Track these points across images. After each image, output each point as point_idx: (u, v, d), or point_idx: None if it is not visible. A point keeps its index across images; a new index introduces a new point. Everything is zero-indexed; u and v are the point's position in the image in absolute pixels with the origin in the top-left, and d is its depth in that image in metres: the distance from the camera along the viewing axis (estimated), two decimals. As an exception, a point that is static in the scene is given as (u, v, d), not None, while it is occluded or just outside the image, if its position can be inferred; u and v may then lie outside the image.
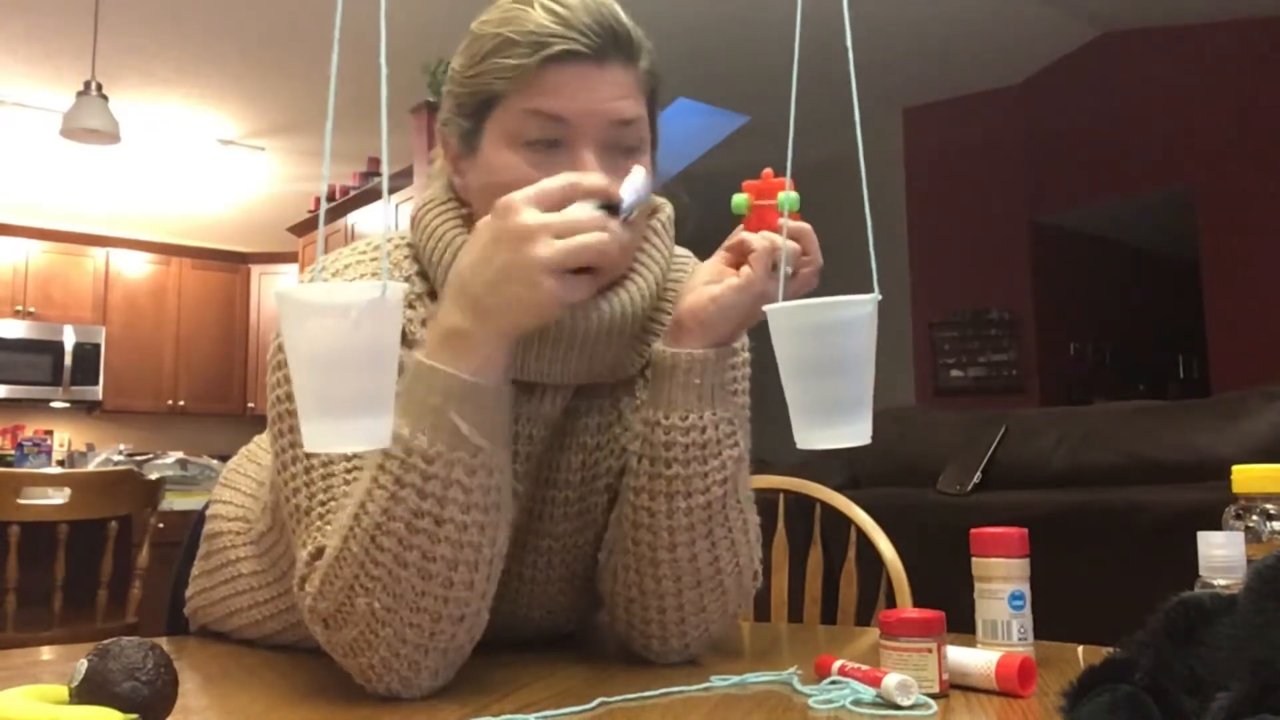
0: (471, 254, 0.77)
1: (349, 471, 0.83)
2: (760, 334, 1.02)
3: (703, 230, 1.15)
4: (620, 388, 0.97)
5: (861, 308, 0.68)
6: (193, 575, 1.14)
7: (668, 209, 0.99)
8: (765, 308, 0.71)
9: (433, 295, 0.90)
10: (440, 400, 0.75)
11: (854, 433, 0.69)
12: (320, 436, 0.61)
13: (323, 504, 0.83)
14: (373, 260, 0.93)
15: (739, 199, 0.89)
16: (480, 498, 0.77)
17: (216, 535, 1.09)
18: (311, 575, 0.80)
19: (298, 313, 0.60)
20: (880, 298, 0.68)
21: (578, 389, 0.93)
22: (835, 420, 0.69)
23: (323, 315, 0.60)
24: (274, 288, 7.26)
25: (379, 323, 0.60)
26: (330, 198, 5.87)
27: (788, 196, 0.86)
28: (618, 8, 0.88)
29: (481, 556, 0.78)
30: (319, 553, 0.81)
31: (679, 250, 1.01)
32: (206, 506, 1.14)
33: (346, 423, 0.61)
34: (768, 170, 0.89)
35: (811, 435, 0.70)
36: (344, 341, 0.60)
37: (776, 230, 0.86)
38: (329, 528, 0.81)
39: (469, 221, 0.90)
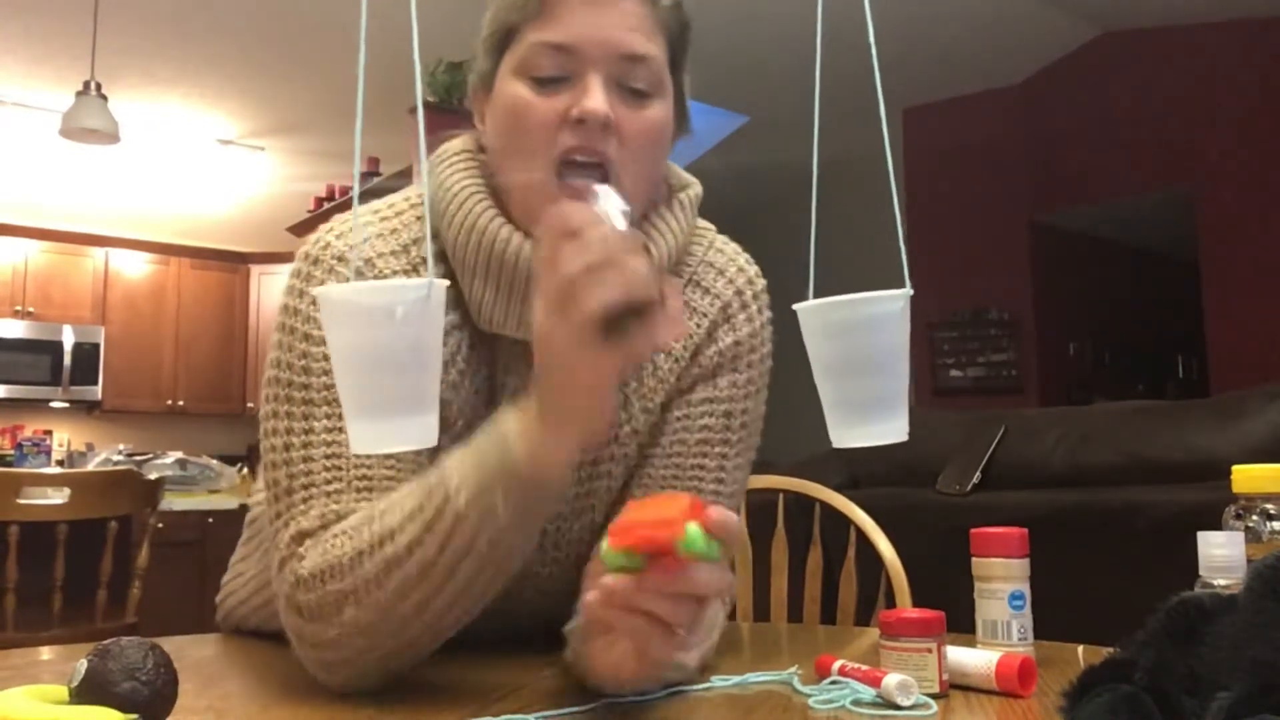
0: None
1: (327, 458, 0.82)
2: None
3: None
4: (626, 369, 0.95)
5: (893, 303, 0.67)
6: (233, 560, 1.14)
7: (696, 188, 0.97)
8: (795, 306, 0.69)
9: (443, 256, 0.90)
10: (495, 474, 0.73)
11: (890, 430, 0.68)
12: (367, 436, 0.61)
13: (304, 486, 0.81)
14: (382, 220, 0.92)
15: (613, 557, 0.64)
16: (494, 566, 0.76)
17: (257, 520, 1.10)
18: (292, 561, 0.79)
19: (342, 313, 0.60)
20: (912, 292, 0.67)
21: None
22: (870, 418, 0.68)
23: (368, 316, 0.59)
24: (274, 287, 7.26)
25: (423, 322, 0.59)
26: (330, 197, 5.86)
27: (691, 536, 0.62)
28: None
29: (476, 608, 0.78)
30: (301, 537, 0.80)
31: (701, 222, 1.00)
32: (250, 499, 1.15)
33: (392, 422, 0.60)
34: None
35: (847, 434, 0.69)
36: (389, 341, 0.59)
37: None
38: (313, 512, 0.80)
39: (484, 169, 0.90)
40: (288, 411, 0.84)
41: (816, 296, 0.68)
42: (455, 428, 0.90)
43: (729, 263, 1.00)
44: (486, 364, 0.92)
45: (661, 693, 0.79)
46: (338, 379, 0.62)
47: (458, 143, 0.94)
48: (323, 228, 0.92)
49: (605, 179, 0.83)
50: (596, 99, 0.83)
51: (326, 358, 0.84)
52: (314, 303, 0.85)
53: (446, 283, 0.63)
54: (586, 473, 0.95)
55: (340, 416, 0.82)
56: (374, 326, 0.59)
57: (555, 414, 0.73)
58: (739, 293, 0.99)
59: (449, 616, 0.77)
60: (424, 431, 0.61)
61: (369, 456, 0.82)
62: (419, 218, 0.92)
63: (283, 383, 0.85)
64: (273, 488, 0.83)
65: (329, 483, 0.81)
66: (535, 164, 0.84)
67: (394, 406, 0.60)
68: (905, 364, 0.68)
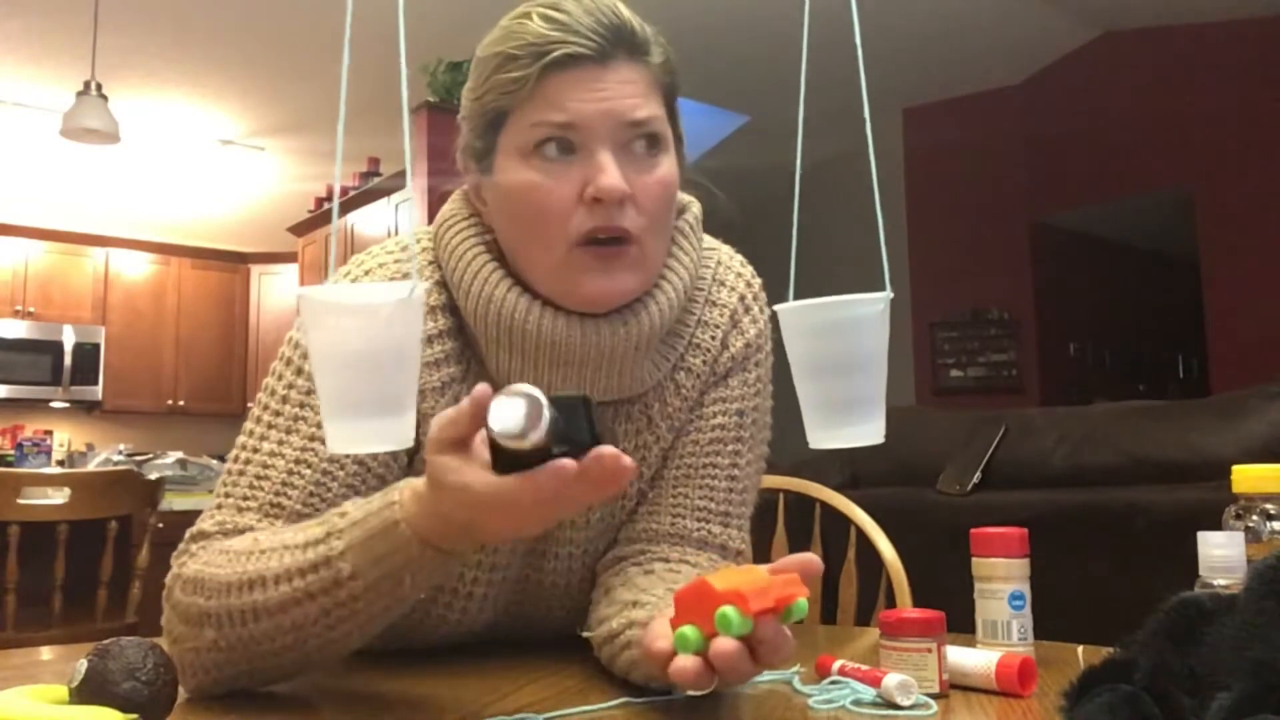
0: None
1: (257, 476, 0.85)
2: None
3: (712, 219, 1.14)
4: (650, 392, 0.96)
5: (873, 306, 0.67)
6: None
7: (695, 207, 0.97)
8: (776, 307, 0.70)
9: (453, 309, 0.90)
10: (401, 564, 0.69)
11: (866, 432, 0.68)
12: (345, 437, 0.61)
13: (226, 495, 0.85)
14: (397, 263, 0.92)
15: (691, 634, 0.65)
16: (378, 620, 0.73)
17: None
18: (183, 557, 0.82)
19: (324, 314, 0.60)
20: (892, 296, 0.68)
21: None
22: (848, 420, 0.68)
23: (351, 316, 0.60)
24: (274, 287, 7.27)
25: (405, 323, 0.60)
26: (330, 197, 5.86)
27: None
28: (620, 4, 0.86)
29: (351, 649, 0.76)
30: (198, 536, 0.83)
31: (707, 241, 1.00)
32: None
33: (370, 423, 0.60)
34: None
35: (824, 435, 0.69)
36: (371, 342, 0.59)
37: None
38: (217, 517, 0.84)
39: (492, 246, 0.89)
40: (250, 429, 0.88)
41: (812, 296, 0.68)
42: None
43: (727, 270, 1.01)
44: None
45: (677, 695, 0.79)
46: (316, 380, 0.62)
47: (460, 207, 0.93)
48: (340, 270, 0.94)
49: (628, 246, 0.84)
50: (612, 175, 0.81)
51: (308, 391, 0.87)
52: None
53: (427, 284, 0.63)
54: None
55: (289, 443, 0.85)
56: (353, 328, 0.59)
57: (462, 535, 0.68)
58: (742, 298, 1.00)
59: (318, 657, 0.76)
60: (401, 432, 0.61)
61: (293, 488, 0.84)
62: (431, 262, 0.92)
63: (261, 404, 0.89)
64: (218, 485, 0.88)
65: (244, 498, 0.84)
66: (555, 245, 0.84)
67: (371, 408, 0.60)
68: (883, 367, 0.68)
